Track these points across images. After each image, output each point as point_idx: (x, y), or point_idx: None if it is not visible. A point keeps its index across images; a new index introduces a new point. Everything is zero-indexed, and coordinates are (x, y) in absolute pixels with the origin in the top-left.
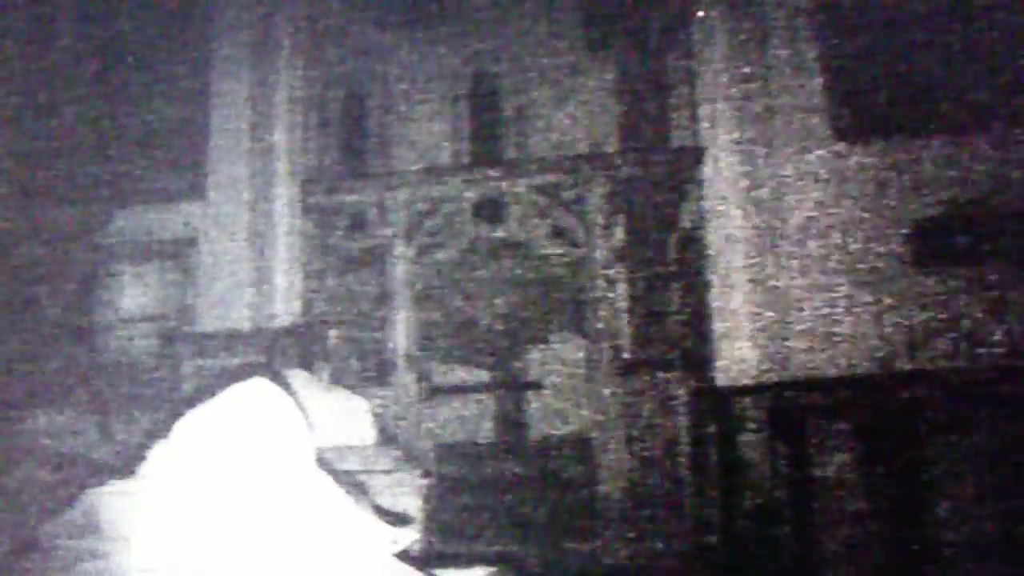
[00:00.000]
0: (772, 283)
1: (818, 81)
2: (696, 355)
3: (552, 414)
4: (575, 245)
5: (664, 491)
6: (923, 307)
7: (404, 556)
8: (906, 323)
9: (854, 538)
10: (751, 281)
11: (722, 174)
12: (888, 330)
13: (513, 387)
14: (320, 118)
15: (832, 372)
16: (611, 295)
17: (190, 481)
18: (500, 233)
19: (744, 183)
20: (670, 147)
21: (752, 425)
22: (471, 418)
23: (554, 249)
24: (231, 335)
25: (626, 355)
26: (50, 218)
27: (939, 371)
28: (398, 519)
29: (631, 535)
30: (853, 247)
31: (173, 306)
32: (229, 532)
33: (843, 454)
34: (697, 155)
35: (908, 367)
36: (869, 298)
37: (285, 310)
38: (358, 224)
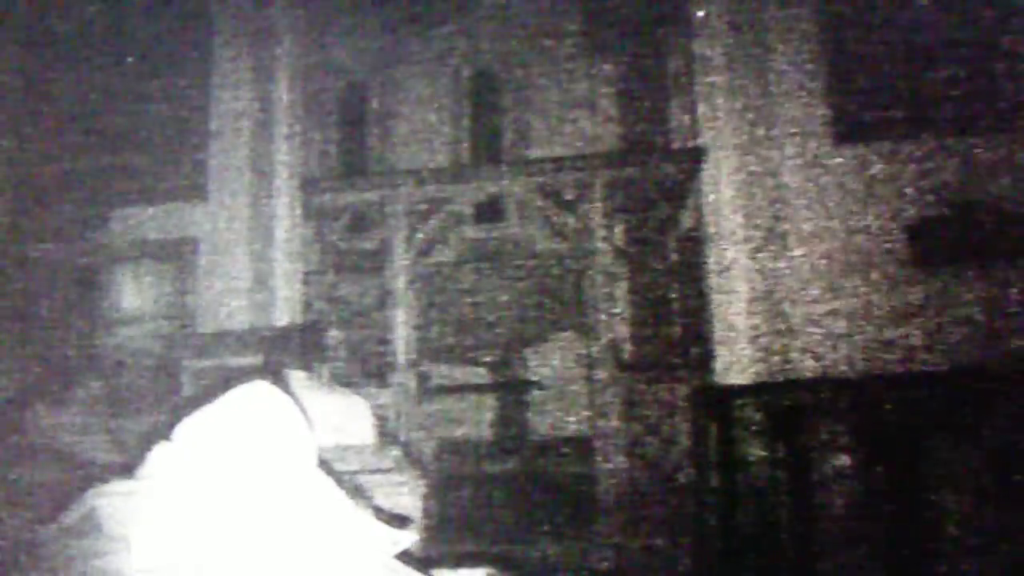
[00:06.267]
0: (772, 283)
1: (818, 82)
2: (696, 355)
3: (552, 414)
4: (575, 245)
5: (664, 491)
6: (923, 307)
7: (404, 557)
8: (906, 323)
9: (853, 537)
10: (751, 281)
11: (722, 174)
12: (888, 330)
13: (513, 387)
14: (320, 118)
15: (832, 372)
16: (611, 295)
17: (190, 481)
18: (500, 233)
19: (744, 183)
20: (670, 147)
21: (752, 425)
22: (471, 418)
23: (554, 249)
24: (231, 335)
25: (626, 355)
26: (50, 218)
27: (939, 371)
28: (398, 520)
29: (631, 535)
30: (853, 247)
31: (173, 306)
32: (229, 533)
33: (843, 454)
34: (697, 155)
35: (908, 367)
36: (869, 298)
37: (285, 310)
38: (358, 224)
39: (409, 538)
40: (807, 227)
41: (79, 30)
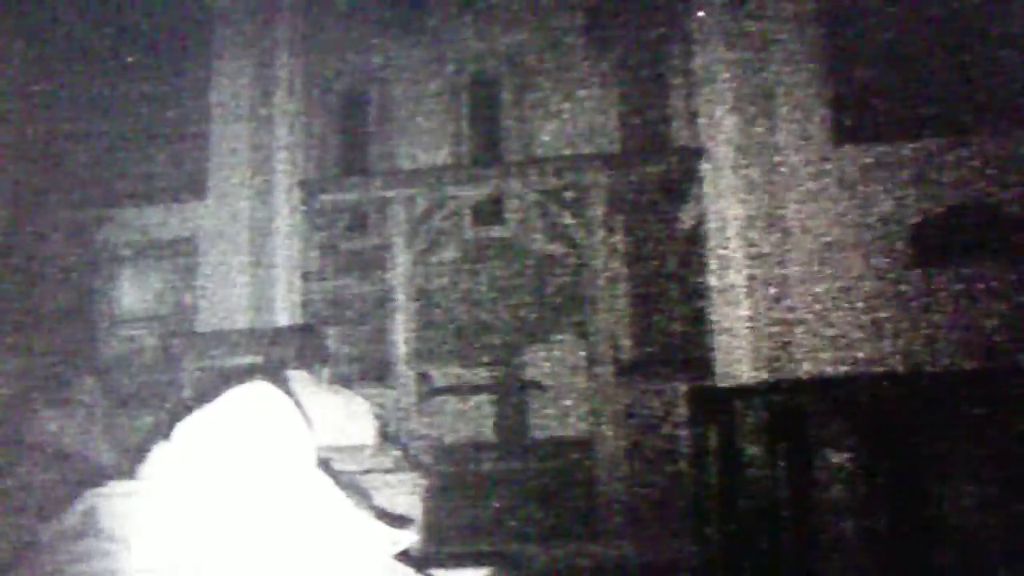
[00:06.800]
0: (772, 283)
1: (818, 82)
2: (696, 355)
3: (552, 414)
4: (575, 245)
5: (664, 491)
6: (923, 307)
7: (404, 557)
8: (906, 323)
9: (854, 537)
10: (751, 281)
11: (722, 174)
12: (888, 330)
13: (513, 387)
14: (320, 118)
15: (832, 372)
16: (611, 295)
17: (190, 481)
18: (500, 233)
19: (744, 184)
20: (670, 147)
21: (752, 425)
22: (471, 418)
23: (554, 249)
24: (231, 335)
25: (626, 355)
26: (50, 218)
27: (939, 371)
28: (398, 520)
29: (631, 535)
30: (853, 247)
31: (173, 306)
32: (229, 533)
33: (843, 454)
34: (697, 155)
35: (908, 367)
36: (870, 298)
37: (285, 310)
38: (358, 224)
39: (409, 538)
40: (807, 227)
41: (79, 30)
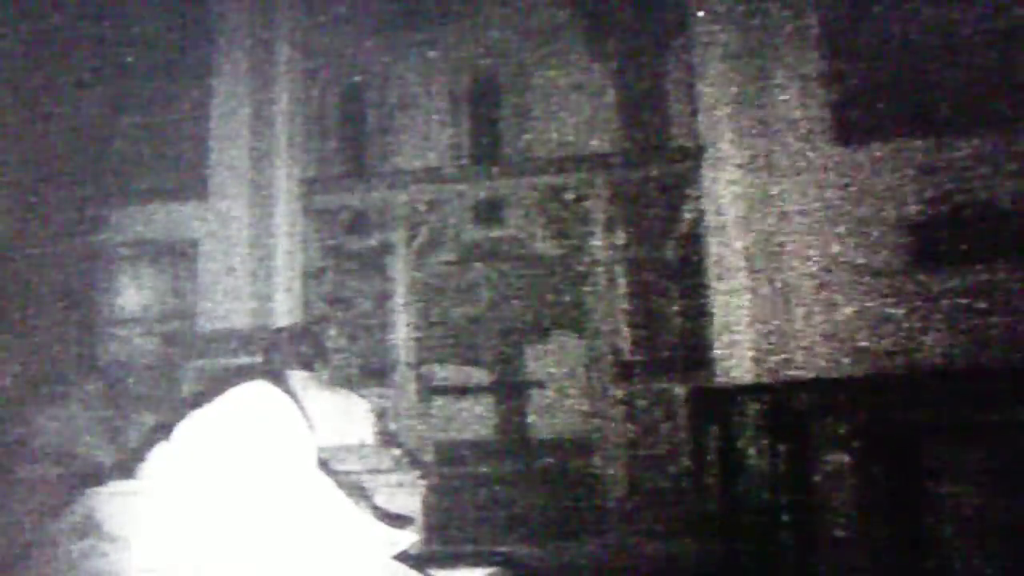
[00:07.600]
0: (772, 283)
1: (818, 82)
2: (696, 355)
3: (552, 414)
4: (575, 245)
5: (664, 491)
6: (923, 307)
7: (404, 557)
8: (906, 323)
9: (853, 538)
10: (751, 281)
11: (722, 174)
12: (888, 330)
13: (513, 387)
14: (320, 118)
15: (832, 372)
16: (611, 295)
17: (191, 482)
18: (500, 233)
19: (744, 183)
20: (670, 147)
21: (752, 425)
22: (471, 418)
23: (554, 249)
24: (231, 335)
25: (626, 355)
26: (50, 218)
27: (939, 371)
28: (398, 520)
29: (631, 535)
30: (853, 247)
31: (173, 306)
32: (229, 533)
33: (843, 454)
34: (697, 155)
35: (908, 367)
36: (869, 298)
37: (285, 310)
38: (358, 224)
39: (409, 538)
40: (807, 227)
41: (79, 29)
